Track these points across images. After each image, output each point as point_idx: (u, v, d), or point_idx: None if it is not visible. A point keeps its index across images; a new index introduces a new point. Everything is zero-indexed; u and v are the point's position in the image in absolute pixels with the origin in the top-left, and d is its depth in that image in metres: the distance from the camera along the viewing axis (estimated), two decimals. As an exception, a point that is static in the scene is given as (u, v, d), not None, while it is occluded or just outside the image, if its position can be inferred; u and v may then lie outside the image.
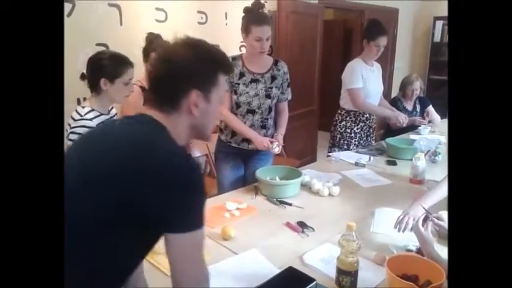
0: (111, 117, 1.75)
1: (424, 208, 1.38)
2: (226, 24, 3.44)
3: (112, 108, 1.84)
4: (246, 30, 2.03)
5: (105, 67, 1.60)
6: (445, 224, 1.39)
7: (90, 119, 1.59)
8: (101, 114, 1.67)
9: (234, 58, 2.12)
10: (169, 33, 3.20)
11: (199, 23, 3.24)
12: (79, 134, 1.54)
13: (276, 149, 2.08)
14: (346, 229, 1.11)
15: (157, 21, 2.95)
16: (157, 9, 2.93)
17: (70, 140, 1.54)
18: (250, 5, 2.09)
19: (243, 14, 2.07)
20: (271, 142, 2.07)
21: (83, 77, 1.66)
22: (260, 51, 2.05)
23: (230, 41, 3.49)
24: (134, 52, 2.71)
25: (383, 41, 2.64)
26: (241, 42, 3.55)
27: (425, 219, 1.31)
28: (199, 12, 3.22)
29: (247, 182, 2.22)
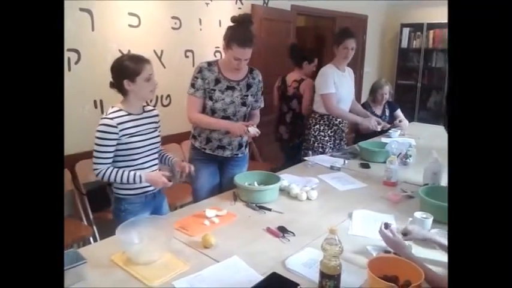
0: (149, 116, 1.83)
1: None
2: (201, 29, 3.42)
3: (153, 109, 1.91)
4: (227, 44, 2.00)
5: (125, 69, 1.69)
6: (414, 228, 1.43)
7: (111, 118, 1.69)
8: (128, 114, 1.74)
9: (210, 64, 2.11)
10: (143, 38, 3.14)
11: (173, 28, 3.21)
12: (102, 131, 1.66)
13: (252, 131, 2.03)
14: (329, 233, 1.12)
15: (130, 26, 2.90)
16: (130, 14, 2.87)
17: (97, 137, 1.68)
18: (238, 16, 2.04)
19: (230, 23, 2.02)
20: (246, 126, 2.05)
21: (112, 85, 1.74)
22: (236, 68, 2.06)
23: (204, 47, 3.48)
24: (106, 57, 2.67)
25: (351, 43, 2.74)
26: (216, 48, 3.56)
27: (386, 227, 1.36)
28: (173, 17, 3.19)
29: (223, 188, 2.21)
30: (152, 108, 1.91)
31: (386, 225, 1.36)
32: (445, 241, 1.33)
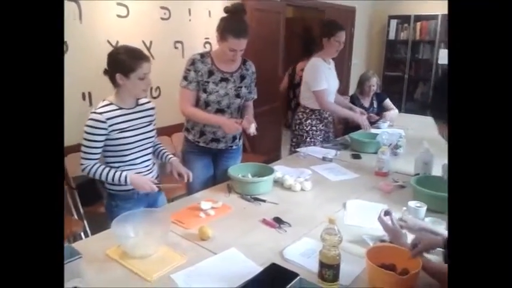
0: (143, 110, 1.77)
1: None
2: (190, 20, 3.38)
3: (148, 102, 1.83)
4: (221, 35, 1.96)
5: (120, 62, 1.61)
6: (409, 219, 1.44)
7: (100, 113, 1.62)
8: (120, 108, 1.68)
9: (203, 55, 2.07)
10: (132, 29, 3.08)
11: (162, 18, 3.16)
12: (90, 126, 1.61)
13: (253, 130, 2.01)
14: (328, 223, 1.13)
15: (119, 16, 2.84)
16: (118, 4, 2.81)
17: (85, 132, 1.63)
18: (231, 6, 2.01)
19: (223, 14, 1.99)
20: (239, 123, 2.01)
21: (105, 72, 1.66)
22: (232, 60, 2.02)
23: (194, 38, 3.44)
24: (96, 50, 2.62)
25: (342, 36, 2.72)
26: (206, 38, 3.52)
27: (386, 214, 1.37)
28: (162, 8, 3.13)
29: (217, 181, 2.20)
30: (147, 101, 1.83)
31: (387, 213, 1.37)
32: (440, 231, 1.35)
